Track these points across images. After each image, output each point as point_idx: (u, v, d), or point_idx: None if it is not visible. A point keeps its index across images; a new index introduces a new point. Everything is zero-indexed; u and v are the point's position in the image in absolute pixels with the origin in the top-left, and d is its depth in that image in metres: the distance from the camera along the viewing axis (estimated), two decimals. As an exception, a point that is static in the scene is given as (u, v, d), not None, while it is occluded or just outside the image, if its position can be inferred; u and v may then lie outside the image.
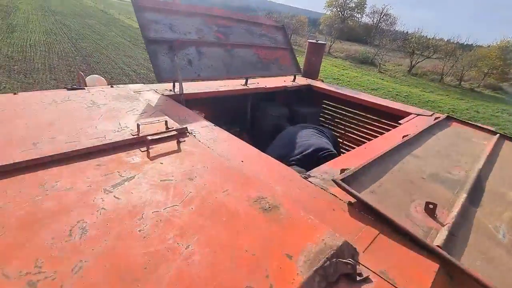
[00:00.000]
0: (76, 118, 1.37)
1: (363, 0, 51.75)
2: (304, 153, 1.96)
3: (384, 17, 50.82)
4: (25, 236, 0.69)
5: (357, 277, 0.73)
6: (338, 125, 3.30)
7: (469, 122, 2.30)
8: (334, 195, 1.11)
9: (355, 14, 53.69)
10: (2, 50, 10.03)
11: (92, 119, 1.38)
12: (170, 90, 2.15)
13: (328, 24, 47.24)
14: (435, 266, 0.82)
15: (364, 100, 2.88)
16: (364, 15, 53.73)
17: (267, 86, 2.76)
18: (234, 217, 0.86)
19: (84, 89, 1.81)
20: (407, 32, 40.84)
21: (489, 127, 2.22)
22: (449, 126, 2.19)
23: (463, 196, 1.20)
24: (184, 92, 2.07)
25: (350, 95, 2.99)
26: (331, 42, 32.33)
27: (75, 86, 1.78)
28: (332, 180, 1.11)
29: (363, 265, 0.78)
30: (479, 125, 2.25)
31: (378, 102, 2.80)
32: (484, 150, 1.77)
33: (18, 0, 25.43)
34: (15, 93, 1.55)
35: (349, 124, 3.18)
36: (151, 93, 2.02)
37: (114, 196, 0.88)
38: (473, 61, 24.97)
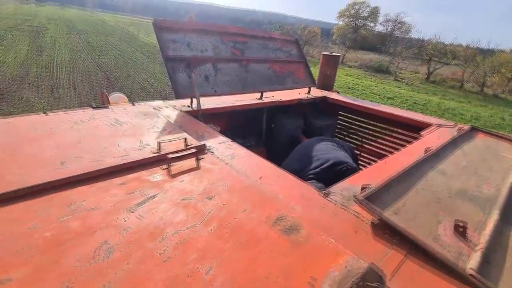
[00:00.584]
0: (100, 137, 1.42)
1: (376, 9, 51.59)
2: (322, 167, 1.92)
3: (398, 25, 50.25)
4: (53, 258, 0.71)
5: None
6: (355, 137, 3.24)
7: (496, 133, 2.19)
8: (356, 214, 1.08)
9: (368, 23, 53.49)
10: (31, 69, 10.75)
11: (115, 137, 1.43)
12: (188, 106, 2.20)
13: (341, 34, 47.35)
14: None
15: (381, 111, 2.83)
16: (377, 23, 53.40)
17: (282, 100, 2.77)
18: (253, 239, 0.85)
19: (107, 107, 1.89)
20: (423, 39, 40.10)
21: (518, 138, 2.10)
22: (474, 138, 2.09)
23: (495, 215, 1.13)
24: (202, 107, 2.11)
25: (366, 106, 2.94)
26: (345, 52, 32.26)
27: (99, 105, 1.87)
28: (353, 198, 1.08)
29: (391, 291, 0.74)
30: (508, 136, 2.14)
31: (396, 113, 2.73)
32: (515, 164, 1.67)
33: (47, 21, 27.40)
34: (45, 113, 1.64)
35: (366, 136, 3.12)
36: (170, 110, 2.08)
37: (137, 217, 0.90)
38: (495, 67, 24.02)
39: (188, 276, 0.70)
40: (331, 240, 0.88)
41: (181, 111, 2.08)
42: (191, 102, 2.23)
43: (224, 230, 0.88)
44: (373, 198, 1.10)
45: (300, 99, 2.95)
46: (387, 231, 0.99)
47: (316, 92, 3.27)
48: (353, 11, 52.09)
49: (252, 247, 0.82)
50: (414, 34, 47.38)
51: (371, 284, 0.71)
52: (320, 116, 3.24)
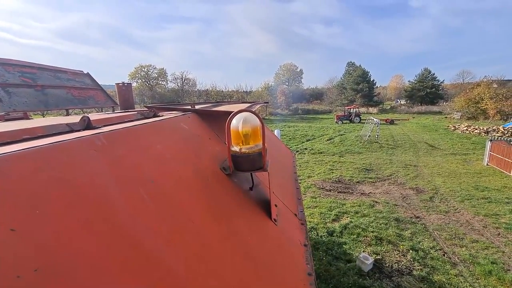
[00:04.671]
0: None
1: (162, 70, 58.86)
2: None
3: (185, 81, 60.02)
4: None
5: None
6: None
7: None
8: None
9: (160, 82, 59.70)
10: None
11: None
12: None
13: (138, 93, 49.42)
14: None
15: None
16: (168, 81, 60.89)
17: None
18: None
19: None
20: (207, 89, 50.68)
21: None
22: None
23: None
24: None
25: None
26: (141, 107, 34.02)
27: None
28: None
29: None
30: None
31: None
32: None
33: None
34: None
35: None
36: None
37: None
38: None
39: None
40: None
41: None
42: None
43: None
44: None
45: None
46: None
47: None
48: (142, 73, 56.31)
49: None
50: (199, 86, 58.63)
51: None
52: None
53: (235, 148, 1.35)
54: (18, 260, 0.47)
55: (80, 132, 0.93)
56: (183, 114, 1.63)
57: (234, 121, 1.34)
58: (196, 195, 1.03)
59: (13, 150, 0.60)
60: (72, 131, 0.94)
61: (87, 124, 1.00)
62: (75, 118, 1.15)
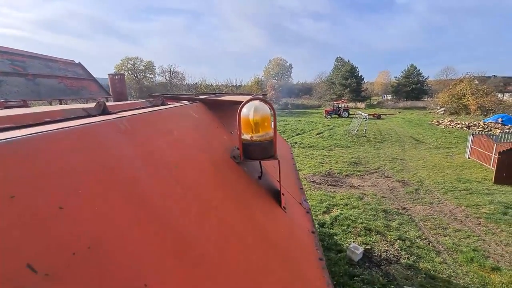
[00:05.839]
0: None
1: (150, 62, 57.38)
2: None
3: (173, 74, 58.85)
4: None
5: None
6: None
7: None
8: None
9: (148, 75, 58.22)
10: None
11: None
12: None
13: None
14: None
15: None
16: (156, 74, 59.50)
17: None
18: None
19: None
20: (196, 83, 49.93)
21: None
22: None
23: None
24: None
25: None
26: (135, 99, 33.26)
27: None
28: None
29: None
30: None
31: None
32: None
33: None
34: None
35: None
36: None
37: None
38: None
39: None
40: None
41: None
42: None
43: None
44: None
45: None
46: None
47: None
48: (129, 65, 54.68)
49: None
50: (188, 80, 57.74)
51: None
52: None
53: (246, 136, 1.36)
54: (72, 237, 0.47)
55: (98, 117, 0.92)
56: (191, 103, 1.62)
57: (244, 110, 1.35)
58: (214, 181, 1.04)
59: (47, 130, 0.59)
60: (89, 115, 0.92)
61: (103, 109, 0.99)
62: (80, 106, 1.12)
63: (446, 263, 5.88)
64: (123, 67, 54.44)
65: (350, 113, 33.74)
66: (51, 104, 2.99)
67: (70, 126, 0.65)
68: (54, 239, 0.44)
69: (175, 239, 0.65)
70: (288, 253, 1.12)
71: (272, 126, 1.39)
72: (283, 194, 1.59)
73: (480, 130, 20.59)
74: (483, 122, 24.45)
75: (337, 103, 36.47)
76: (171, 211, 0.70)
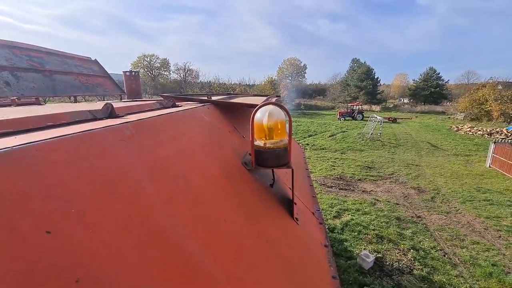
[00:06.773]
0: None
1: (165, 60, 58.34)
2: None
3: (188, 72, 59.59)
4: None
5: None
6: None
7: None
8: None
9: (162, 72, 59.23)
10: None
11: None
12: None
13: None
14: None
15: None
16: (171, 72, 60.44)
17: None
18: None
19: None
20: (209, 81, 50.43)
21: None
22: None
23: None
24: None
25: None
26: (149, 97, 33.98)
27: None
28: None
29: None
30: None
31: None
32: None
33: None
34: None
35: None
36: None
37: None
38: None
39: None
40: None
41: None
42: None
43: None
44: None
45: None
46: None
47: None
48: (145, 62, 55.81)
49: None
50: (202, 78, 58.31)
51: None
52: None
53: (259, 143, 1.28)
54: (57, 269, 0.41)
55: (104, 120, 0.87)
56: (202, 105, 1.56)
57: (258, 114, 1.27)
58: (224, 192, 0.97)
59: (44, 139, 0.54)
60: (95, 119, 0.88)
61: (110, 112, 0.94)
62: (92, 106, 1.08)
63: (462, 276, 5.60)
64: (139, 64, 55.60)
65: (364, 115, 33.01)
66: (66, 101, 2.99)
67: (70, 134, 0.59)
68: (36, 272, 0.38)
69: (181, 264, 0.59)
70: (302, 271, 1.04)
71: (288, 132, 1.31)
72: (295, 204, 1.51)
73: (503, 138, 19.63)
74: (507, 129, 23.30)
75: (351, 105, 35.79)
76: (176, 231, 0.63)
